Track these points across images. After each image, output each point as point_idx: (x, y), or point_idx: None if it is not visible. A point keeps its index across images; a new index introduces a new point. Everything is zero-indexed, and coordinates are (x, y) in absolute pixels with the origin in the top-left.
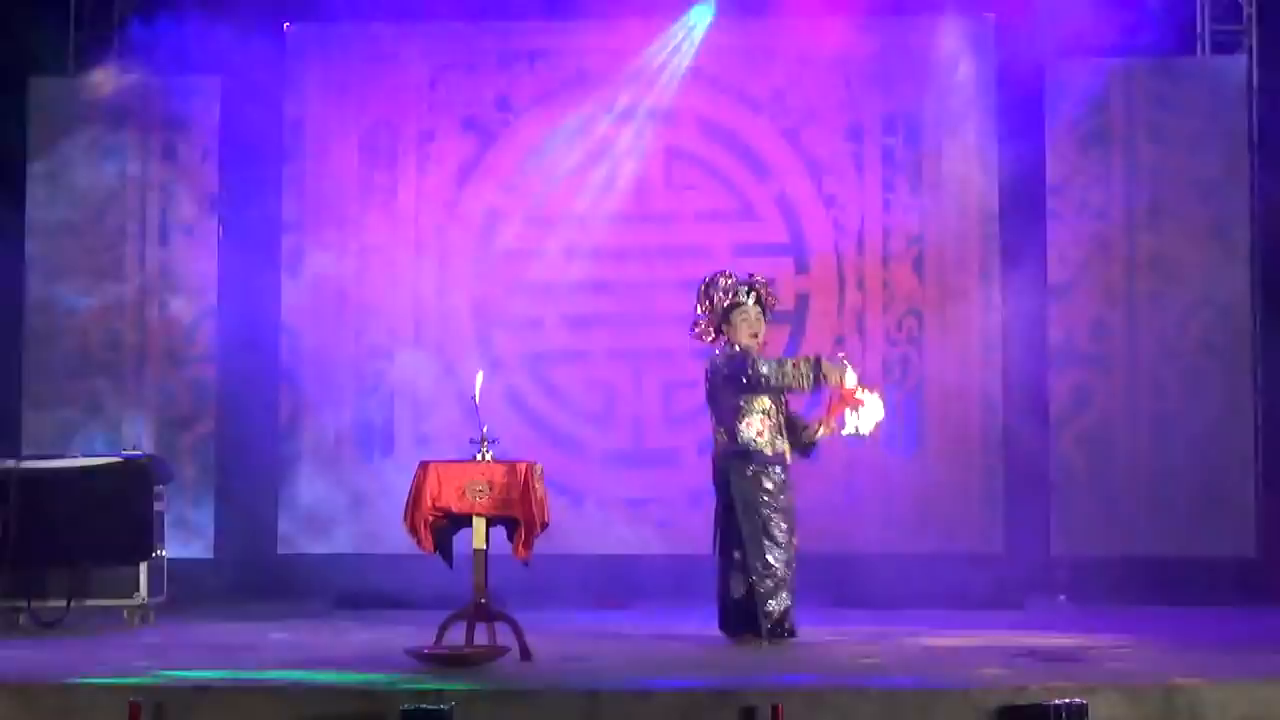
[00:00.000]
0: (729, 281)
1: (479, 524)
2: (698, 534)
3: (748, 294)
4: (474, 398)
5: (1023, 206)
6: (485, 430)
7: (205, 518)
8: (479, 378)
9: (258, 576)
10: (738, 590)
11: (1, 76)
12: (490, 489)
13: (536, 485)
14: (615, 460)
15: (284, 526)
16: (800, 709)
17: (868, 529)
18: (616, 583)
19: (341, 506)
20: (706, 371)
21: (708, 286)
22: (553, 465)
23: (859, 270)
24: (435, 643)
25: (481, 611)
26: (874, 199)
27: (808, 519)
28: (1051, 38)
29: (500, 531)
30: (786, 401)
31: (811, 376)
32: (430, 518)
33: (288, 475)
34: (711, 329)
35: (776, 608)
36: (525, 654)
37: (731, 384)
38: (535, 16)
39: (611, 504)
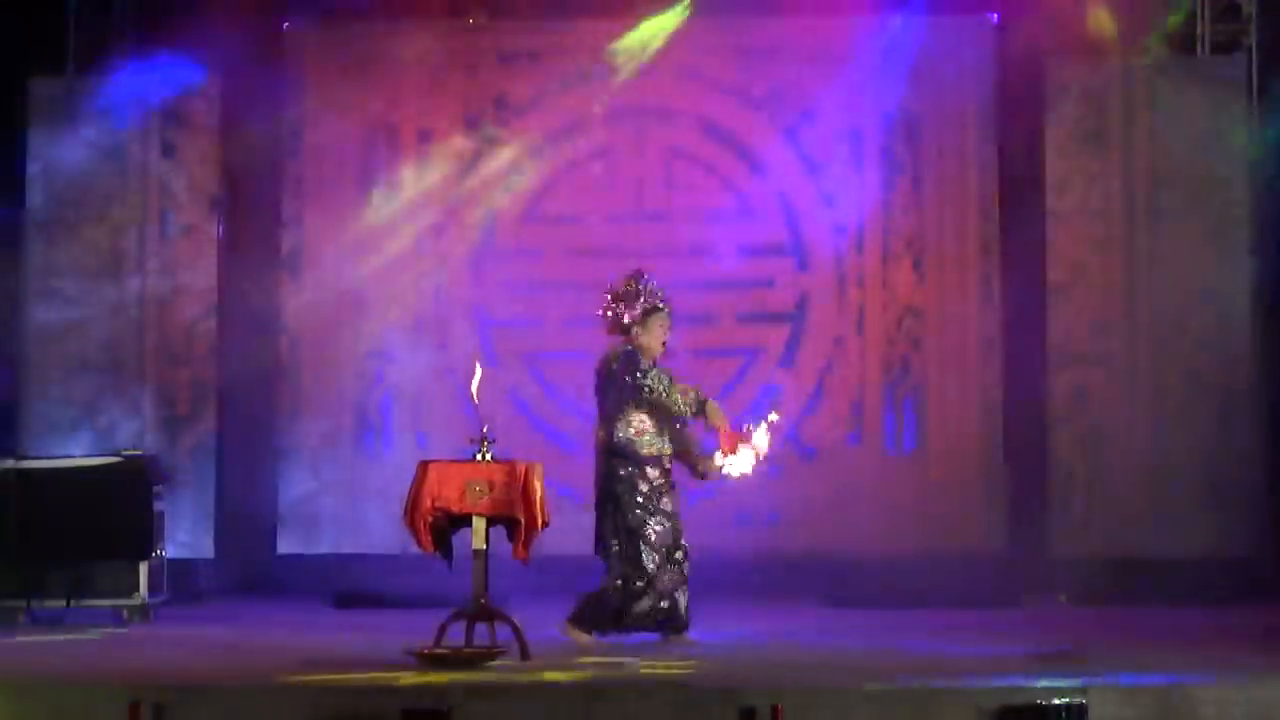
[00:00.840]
0: (654, 286)
1: (479, 524)
2: (697, 534)
3: (664, 302)
4: (472, 396)
5: (1023, 206)
6: (485, 430)
7: (205, 518)
8: (477, 372)
9: (258, 576)
10: (608, 586)
11: (1, 76)
12: (490, 489)
13: (536, 485)
14: None
15: (284, 526)
16: (800, 709)
17: (868, 528)
18: None
19: (341, 506)
20: (598, 367)
21: (638, 282)
22: (553, 465)
23: (859, 270)
24: (435, 643)
25: (481, 611)
26: (874, 199)
27: (807, 518)
28: (1051, 38)
29: (500, 531)
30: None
31: (695, 408)
32: (430, 518)
33: (288, 475)
34: (619, 325)
35: (644, 608)
36: (525, 654)
37: (617, 382)
38: (535, 16)
39: None
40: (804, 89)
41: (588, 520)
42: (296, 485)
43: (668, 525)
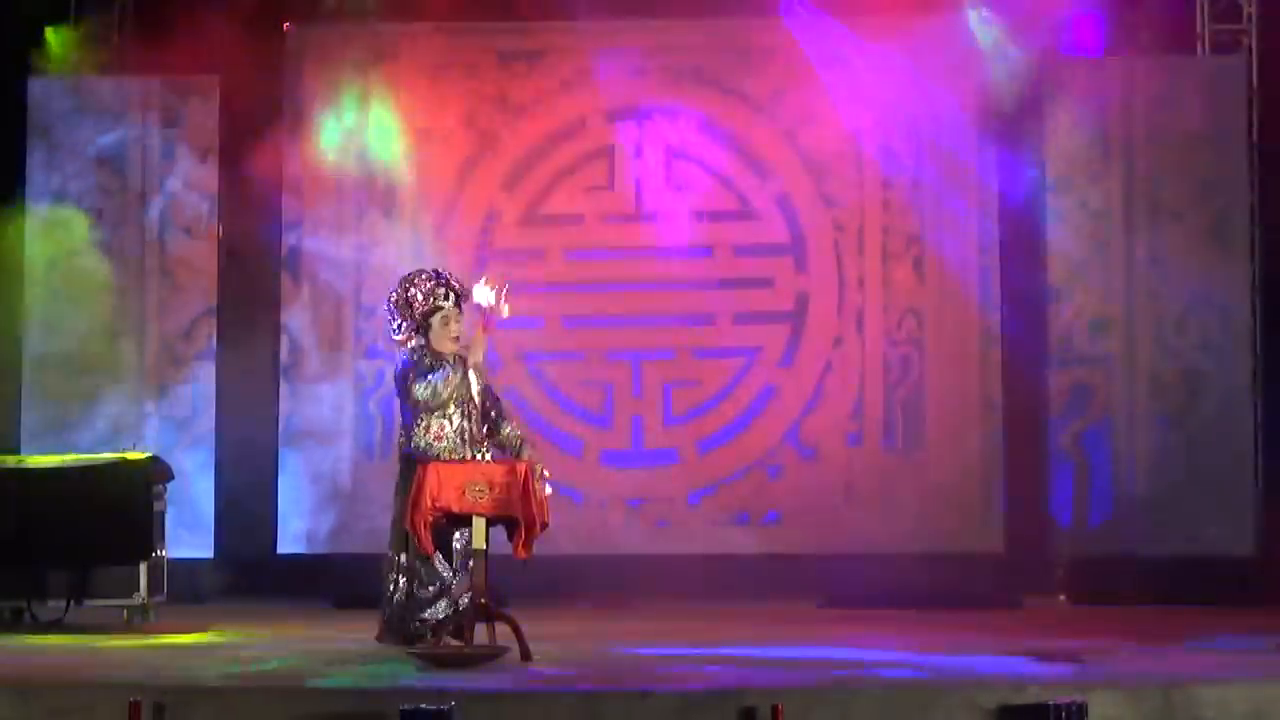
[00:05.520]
0: (429, 285)
1: (479, 524)
2: (698, 534)
3: (446, 296)
4: (474, 398)
5: (1023, 206)
6: (485, 429)
7: (205, 518)
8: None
9: (258, 576)
10: (397, 594)
11: (1, 76)
12: (490, 489)
13: (536, 485)
14: (615, 460)
15: (284, 526)
16: (800, 709)
17: (868, 528)
18: (616, 583)
19: (342, 506)
20: (394, 372)
21: (406, 290)
22: (553, 465)
23: (859, 270)
24: (435, 643)
25: (481, 611)
26: (874, 199)
27: (807, 518)
28: (1051, 38)
29: (500, 531)
30: (483, 414)
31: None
32: (430, 518)
33: (288, 475)
34: (411, 333)
35: (433, 616)
36: (525, 654)
37: (399, 393)
38: (535, 16)
39: (611, 504)
40: (804, 89)
41: (587, 520)
42: (296, 485)
43: (467, 531)
